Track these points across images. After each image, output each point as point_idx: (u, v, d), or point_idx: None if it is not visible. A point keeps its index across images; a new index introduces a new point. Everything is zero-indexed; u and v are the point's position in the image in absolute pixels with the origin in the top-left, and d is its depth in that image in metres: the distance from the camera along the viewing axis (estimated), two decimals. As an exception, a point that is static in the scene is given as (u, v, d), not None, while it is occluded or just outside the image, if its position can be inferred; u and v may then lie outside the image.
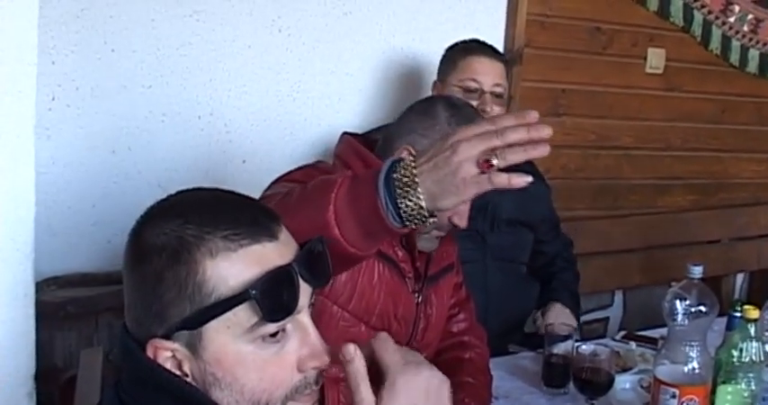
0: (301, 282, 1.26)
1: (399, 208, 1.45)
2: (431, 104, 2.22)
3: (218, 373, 1.23)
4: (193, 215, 1.25)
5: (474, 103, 2.90)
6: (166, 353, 1.24)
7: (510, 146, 1.40)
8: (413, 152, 2.08)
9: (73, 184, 2.93)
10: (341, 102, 3.44)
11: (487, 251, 3.04)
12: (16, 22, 1.97)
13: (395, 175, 1.46)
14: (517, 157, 1.41)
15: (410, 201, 1.45)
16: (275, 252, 1.26)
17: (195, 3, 3.07)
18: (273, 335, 1.24)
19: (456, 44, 3.15)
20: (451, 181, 1.42)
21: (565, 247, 3.40)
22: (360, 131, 3.14)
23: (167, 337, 1.23)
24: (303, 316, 1.27)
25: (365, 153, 2.20)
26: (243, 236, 1.24)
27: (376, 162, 2.12)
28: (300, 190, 1.62)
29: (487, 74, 3.01)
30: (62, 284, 2.78)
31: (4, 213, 2.01)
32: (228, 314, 1.21)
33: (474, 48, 3.09)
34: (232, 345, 1.22)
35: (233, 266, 1.22)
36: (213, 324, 1.22)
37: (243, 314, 1.21)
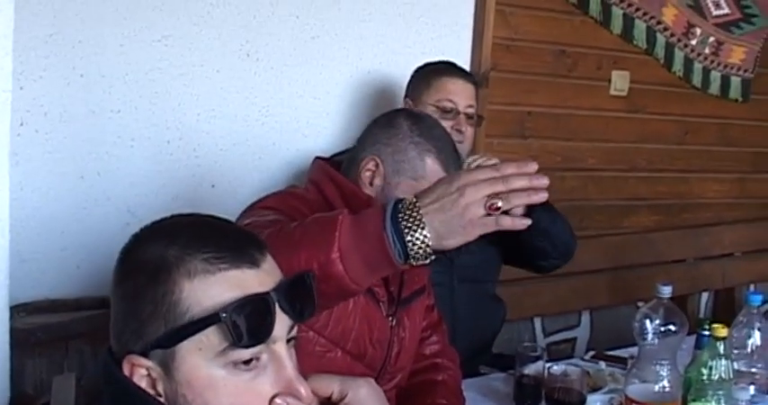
0: (279, 312, 1.27)
1: (406, 245, 1.53)
2: (392, 117, 2.30)
3: (188, 395, 1.23)
4: (179, 237, 1.27)
5: (449, 123, 2.95)
6: (142, 370, 1.25)
7: (512, 191, 1.53)
8: (378, 162, 2.20)
9: (42, 210, 2.91)
10: (309, 125, 3.45)
11: (454, 273, 3.04)
12: (-11, 49, 1.97)
13: (401, 214, 1.54)
14: (521, 200, 1.54)
15: (417, 239, 1.53)
16: (255, 279, 1.27)
17: (164, 28, 3.07)
18: (247, 362, 1.24)
19: (427, 64, 3.19)
20: (459, 222, 1.53)
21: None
22: (328, 155, 3.17)
23: (144, 354, 1.25)
24: (279, 347, 1.28)
25: (335, 175, 2.25)
26: (223, 260, 1.25)
27: (347, 183, 2.21)
28: (299, 229, 1.66)
29: (462, 95, 3.06)
30: (31, 311, 2.76)
31: (-22, 240, 2.00)
32: (200, 336, 1.22)
33: (448, 69, 3.14)
34: (204, 368, 1.23)
35: (209, 289, 1.24)
36: (186, 344, 1.23)
37: (214, 337, 1.22)
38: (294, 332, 1.32)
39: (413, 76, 3.18)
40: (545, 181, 1.58)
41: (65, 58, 2.91)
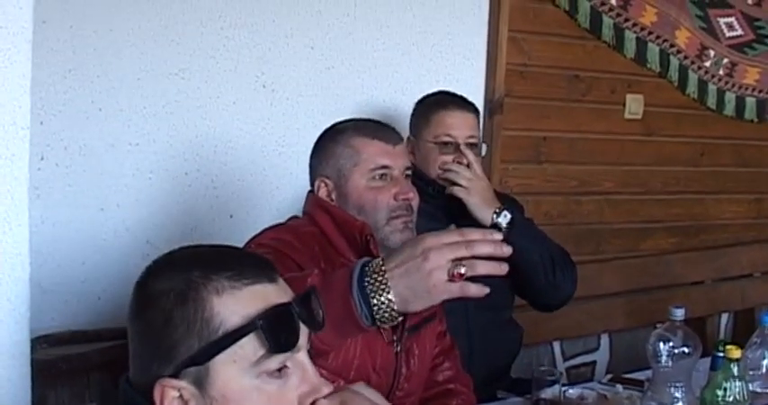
0: (299, 322, 1.34)
1: (372, 309, 1.57)
2: (315, 144, 2.50)
3: None
4: (198, 262, 1.34)
5: (450, 156, 2.96)
6: (174, 392, 1.29)
7: (475, 258, 1.57)
8: (323, 179, 2.36)
9: (62, 242, 2.95)
10: (325, 155, 3.46)
11: (468, 301, 3.02)
12: (10, 87, 2.01)
13: (367, 278, 1.58)
14: (485, 269, 1.58)
15: (382, 303, 1.57)
16: (276, 293, 1.35)
17: (180, 61, 3.12)
18: (277, 371, 1.31)
19: (425, 98, 3.17)
20: (423, 287, 1.56)
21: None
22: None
23: (175, 376, 1.29)
24: (302, 355, 1.35)
25: (328, 206, 2.35)
26: (246, 277, 1.33)
27: (339, 212, 2.31)
28: None
29: (460, 127, 3.03)
30: (53, 342, 2.78)
31: (0, 273, 2.04)
32: (235, 347, 1.28)
33: (445, 101, 3.09)
34: (238, 379, 1.29)
35: (239, 303, 1.30)
36: (221, 358, 1.28)
37: (249, 347, 1.29)
38: (309, 342, 1.39)
39: (413, 113, 3.17)
40: (508, 250, 1.62)
41: (84, 93, 2.95)
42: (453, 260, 1.56)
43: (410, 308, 1.60)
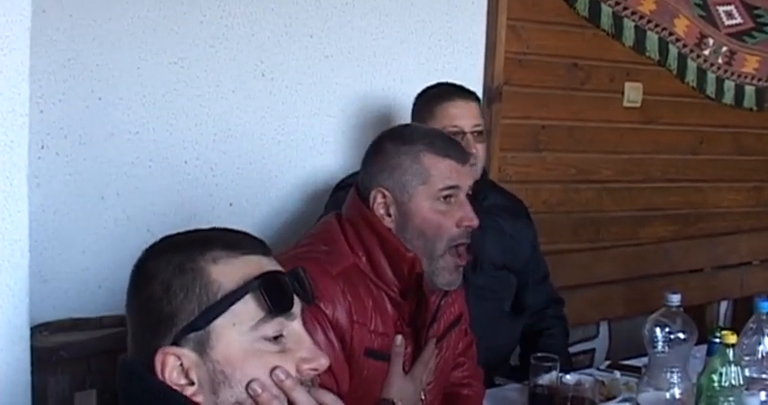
0: (293, 292, 1.38)
1: None
2: (375, 145, 2.28)
3: (227, 370, 1.32)
4: (194, 239, 1.39)
5: None
6: (174, 361, 1.31)
7: None
8: (384, 191, 2.17)
9: (63, 231, 2.96)
10: (324, 143, 3.48)
11: (468, 290, 3.03)
12: (8, 75, 2.02)
13: None
14: None
15: None
16: (270, 264, 1.39)
17: (179, 50, 3.12)
18: (274, 338, 1.35)
19: (426, 90, 3.14)
20: None
21: (553, 303, 3.36)
22: (343, 172, 3.21)
23: (176, 344, 1.32)
24: (297, 325, 1.39)
25: (382, 229, 2.19)
26: (242, 247, 1.38)
27: (392, 240, 2.16)
28: None
29: (466, 117, 3.01)
30: (54, 330, 2.79)
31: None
32: (235, 308, 1.32)
33: (447, 92, 3.07)
34: (239, 342, 1.32)
35: (235, 268, 1.35)
36: (220, 321, 1.32)
37: (248, 310, 1.33)
38: (302, 320, 1.42)
39: (415, 106, 3.13)
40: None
41: (83, 82, 2.96)
42: None
43: None
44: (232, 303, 1.32)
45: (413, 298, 2.18)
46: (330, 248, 2.17)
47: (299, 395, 1.34)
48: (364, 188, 2.24)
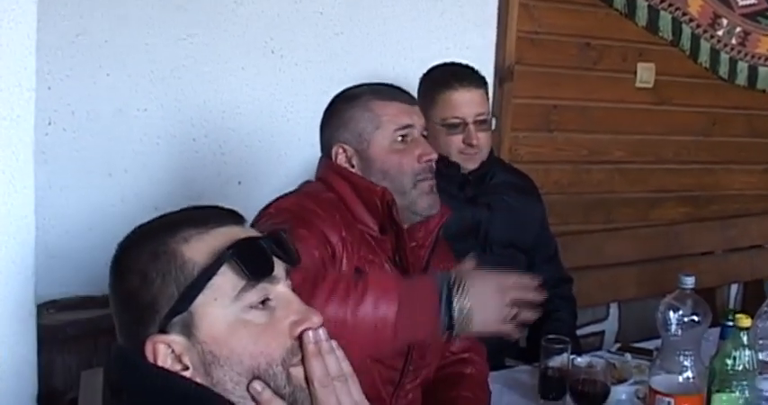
0: (273, 257, 1.36)
1: (452, 314, 1.85)
2: (328, 108, 2.45)
3: (215, 349, 1.30)
4: (164, 225, 1.38)
5: (459, 137, 2.91)
6: (165, 348, 1.30)
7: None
8: (342, 144, 2.32)
9: (70, 208, 2.95)
10: (334, 121, 3.44)
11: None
12: (15, 48, 1.99)
13: (451, 285, 1.87)
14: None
15: (464, 307, 1.85)
16: (243, 233, 1.38)
17: (188, 26, 3.10)
18: (260, 304, 1.33)
19: (431, 71, 3.07)
20: (492, 315, 1.90)
21: (562, 283, 3.30)
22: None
23: (162, 331, 1.30)
24: (282, 287, 1.37)
25: (348, 174, 2.31)
26: (211, 222, 1.36)
27: (359, 180, 2.28)
28: (354, 305, 1.83)
29: (468, 106, 2.94)
30: (61, 308, 2.79)
31: (5, 237, 2.03)
32: (213, 283, 1.30)
33: (450, 79, 2.97)
34: (223, 316, 1.30)
35: (207, 244, 1.33)
36: (201, 299, 1.30)
37: (227, 282, 1.31)
38: (289, 281, 1.40)
39: (419, 88, 3.04)
40: (543, 295, 2.01)
41: (91, 58, 2.95)
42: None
43: (470, 326, 1.85)
44: (209, 278, 1.30)
45: (390, 232, 2.26)
46: (312, 198, 2.27)
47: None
48: (327, 149, 2.38)
